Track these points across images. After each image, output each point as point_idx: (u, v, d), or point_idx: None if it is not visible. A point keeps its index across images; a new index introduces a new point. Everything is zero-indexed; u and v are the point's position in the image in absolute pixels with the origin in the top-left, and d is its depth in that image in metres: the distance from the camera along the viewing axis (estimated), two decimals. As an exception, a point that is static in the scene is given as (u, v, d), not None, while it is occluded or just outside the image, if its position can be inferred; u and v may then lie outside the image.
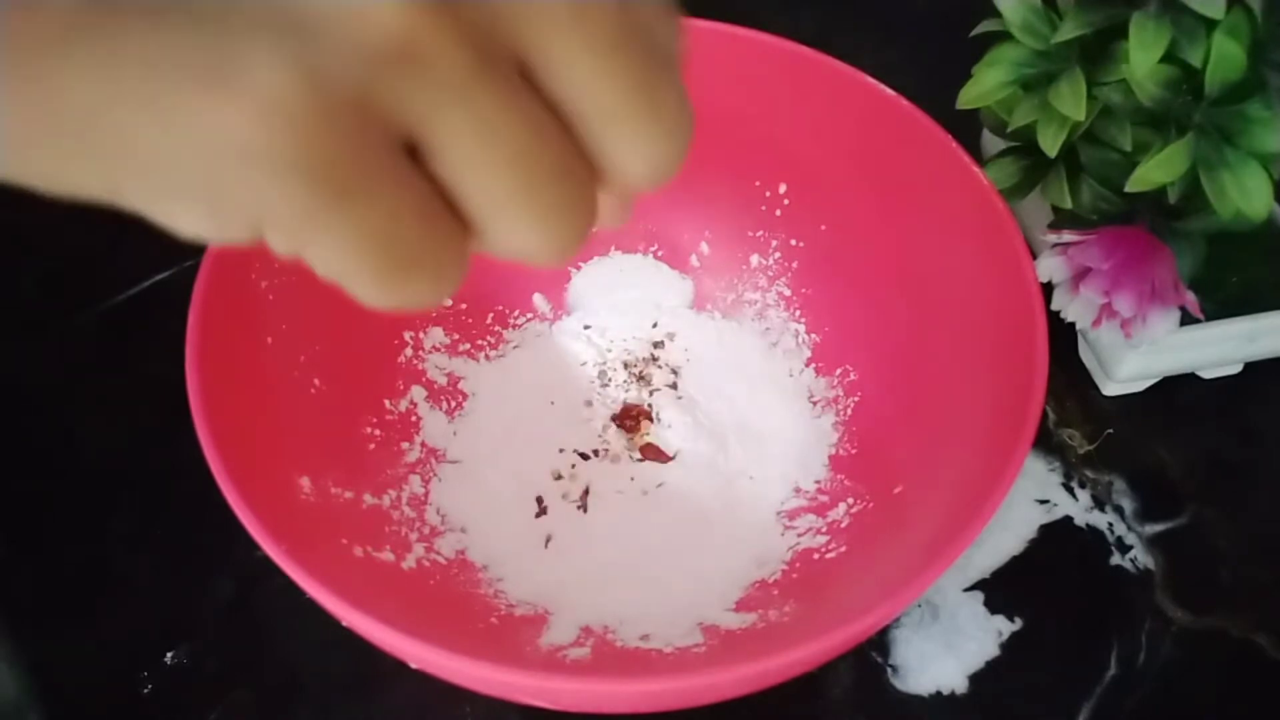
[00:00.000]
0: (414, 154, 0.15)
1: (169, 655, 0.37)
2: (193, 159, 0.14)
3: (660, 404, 0.42)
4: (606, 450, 0.41)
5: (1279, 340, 0.43)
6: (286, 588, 0.29)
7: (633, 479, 0.40)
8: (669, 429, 0.41)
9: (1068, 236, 0.38)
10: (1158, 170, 0.35)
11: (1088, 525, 0.41)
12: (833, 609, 0.33)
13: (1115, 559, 0.40)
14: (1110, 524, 0.41)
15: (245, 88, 0.14)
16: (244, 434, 0.32)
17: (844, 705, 0.37)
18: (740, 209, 0.45)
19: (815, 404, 0.42)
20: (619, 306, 0.45)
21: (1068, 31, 0.36)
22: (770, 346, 0.44)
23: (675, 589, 0.37)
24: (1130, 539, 0.40)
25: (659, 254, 0.46)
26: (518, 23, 0.15)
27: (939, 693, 0.37)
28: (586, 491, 0.40)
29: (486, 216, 0.16)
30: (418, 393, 0.41)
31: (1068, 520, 0.41)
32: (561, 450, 0.41)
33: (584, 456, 0.41)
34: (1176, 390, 0.44)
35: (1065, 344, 0.45)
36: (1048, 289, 0.38)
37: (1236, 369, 0.44)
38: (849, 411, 0.41)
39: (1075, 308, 0.38)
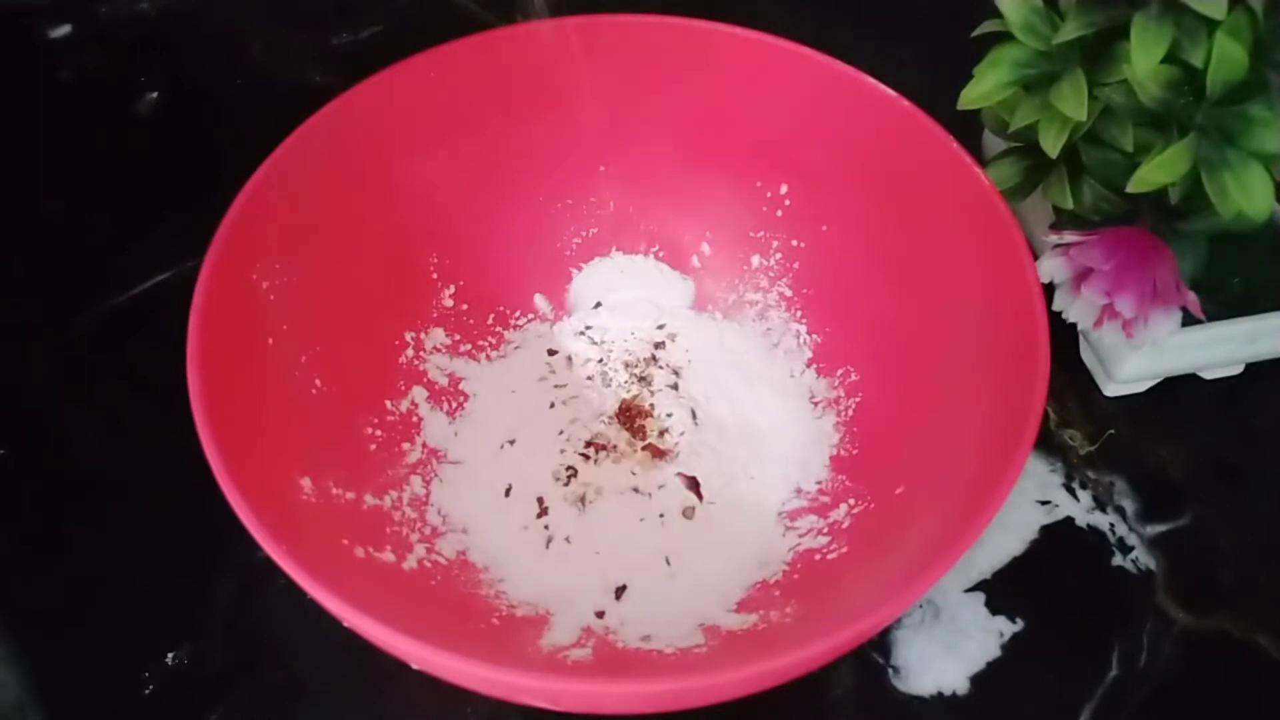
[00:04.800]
0: None
1: (170, 655, 0.37)
2: None
3: (661, 404, 0.42)
4: (608, 451, 0.41)
5: (1280, 341, 0.43)
6: (287, 588, 0.29)
7: (633, 479, 0.40)
8: (670, 430, 0.41)
9: (1069, 237, 0.38)
10: (1159, 171, 0.35)
11: (1089, 526, 0.41)
12: (834, 610, 0.33)
13: (1117, 560, 0.40)
14: (1112, 525, 0.41)
15: None
16: (245, 434, 0.32)
17: (845, 706, 0.36)
18: (741, 209, 0.45)
19: (816, 404, 0.42)
20: (620, 307, 0.45)
21: (1069, 32, 0.36)
22: (771, 347, 0.44)
23: (676, 590, 0.37)
24: (1132, 540, 0.40)
25: (660, 255, 0.46)
26: None
27: (940, 693, 0.37)
28: (587, 492, 0.40)
29: None
30: (419, 393, 0.42)
31: (1069, 521, 0.41)
32: (562, 451, 0.41)
33: (585, 457, 0.41)
34: (1178, 391, 0.44)
35: (1066, 345, 0.45)
36: (1049, 289, 0.38)
37: (1238, 370, 0.44)
38: (850, 412, 0.41)
39: (1077, 308, 0.38)
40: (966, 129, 0.39)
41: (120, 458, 0.42)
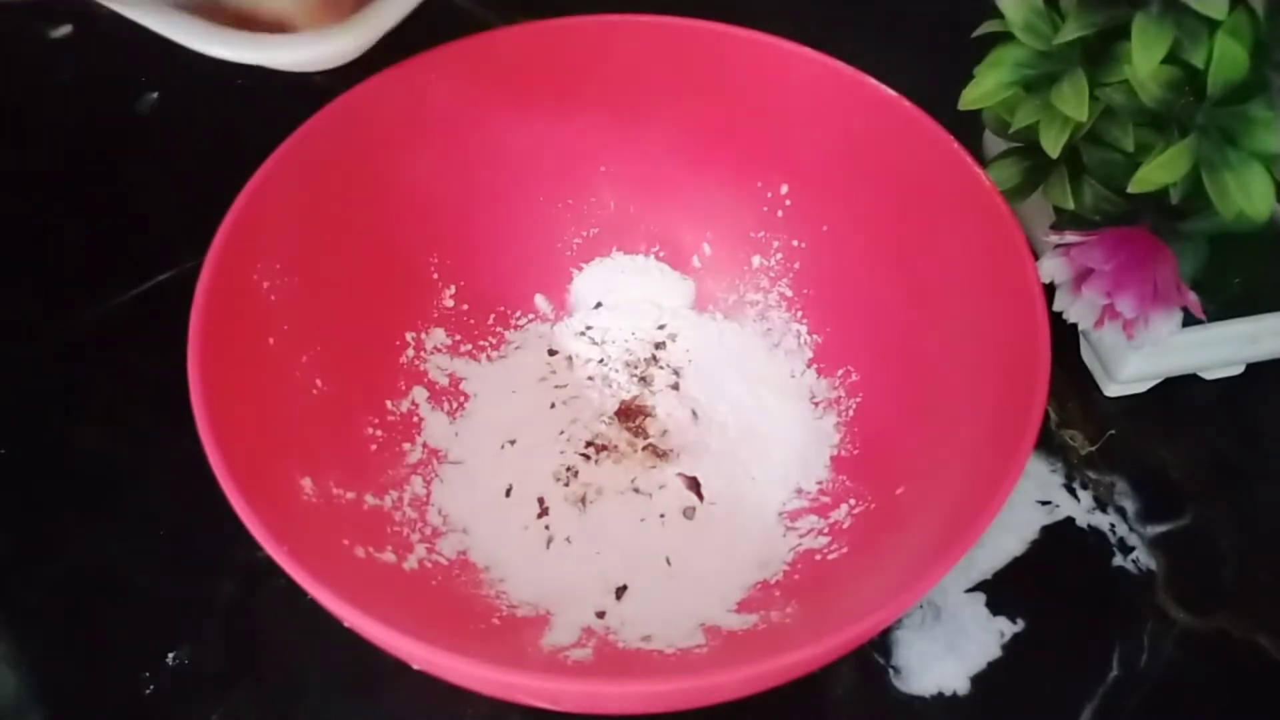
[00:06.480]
0: None
1: (170, 655, 0.37)
2: None
3: (661, 405, 0.42)
4: (608, 451, 0.41)
5: (1281, 341, 0.43)
6: (288, 588, 0.29)
7: (634, 480, 0.40)
8: (670, 430, 0.41)
9: (1070, 237, 0.38)
10: (1160, 171, 0.35)
11: (1090, 526, 0.41)
12: (835, 610, 0.33)
13: (1117, 560, 0.40)
14: (1112, 525, 0.41)
15: None
16: (245, 435, 0.32)
17: (845, 706, 0.36)
18: (742, 210, 0.45)
19: (817, 405, 0.42)
20: (621, 307, 0.45)
21: (1070, 32, 0.36)
22: (772, 347, 0.44)
23: (677, 590, 0.37)
24: (1132, 540, 0.40)
25: (661, 255, 0.46)
26: None
27: (941, 694, 0.37)
28: (588, 493, 0.40)
29: None
30: (419, 393, 0.41)
31: (1070, 521, 0.41)
32: (563, 451, 0.41)
33: (585, 457, 0.41)
34: (1178, 391, 0.44)
35: (1067, 345, 0.45)
36: (1050, 290, 0.37)
37: (1239, 370, 0.44)
38: (851, 412, 0.41)
39: (1077, 309, 0.38)
40: (967, 129, 0.39)
41: (120, 458, 0.42)
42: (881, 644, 0.38)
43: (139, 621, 0.38)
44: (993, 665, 0.37)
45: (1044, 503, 0.41)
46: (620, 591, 0.37)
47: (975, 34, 0.39)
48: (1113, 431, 0.43)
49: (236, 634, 0.37)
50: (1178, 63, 0.34)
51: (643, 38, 0.42)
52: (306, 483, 0.34)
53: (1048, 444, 0.43)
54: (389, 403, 0.41)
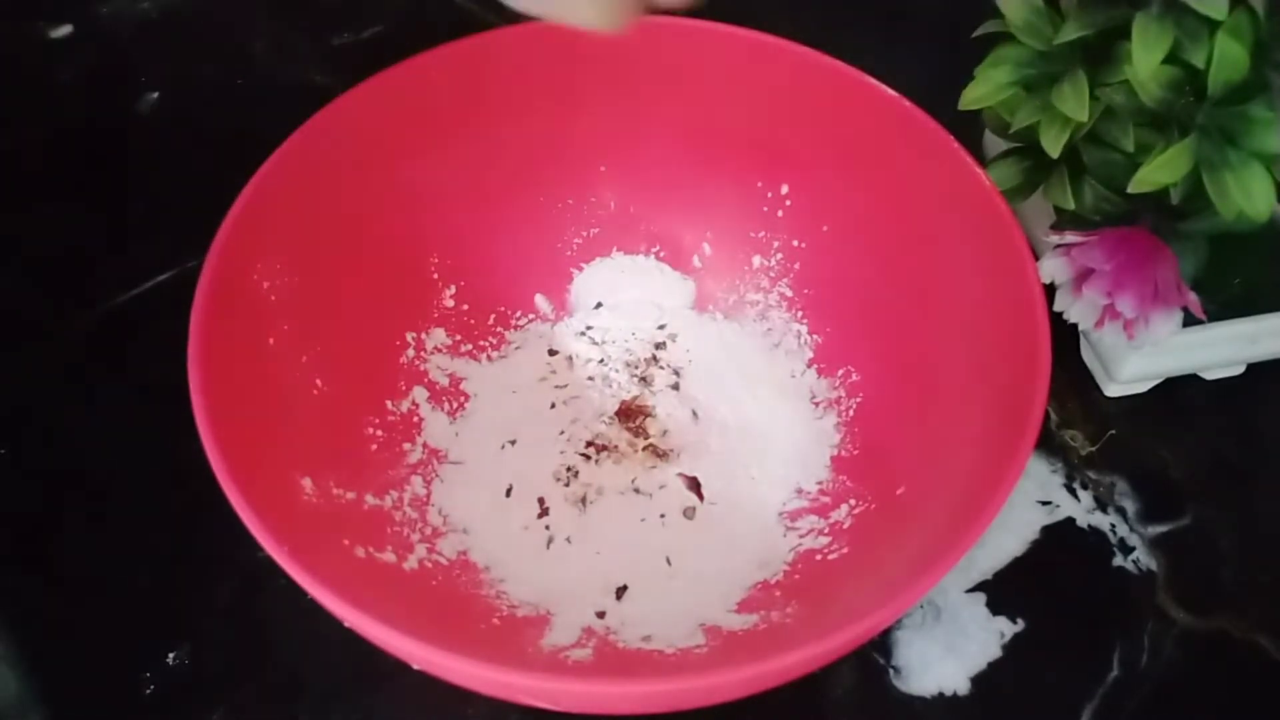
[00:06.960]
0: None
1: (171, 655, 0.37)
2: None
3: (662, 405, 0.42)
4: (608, 451, 0.41)
5: (1281, 341, 0.43)
6: (288, 588, 0.29)
7: (634, 480, 0.40)
8: (670, 430, 0.41)
9: (1070, 237, 0.38)
10: (1160, 171, 0.35)
11: (1090, 526, 0.41)
12: (835, 610, 0.33)
13: (1117, 560, 0.40)
14: (1112, 525, 0.41)
15: None
16: (246, 435, 0.32)
17: (846, 706, 0.36)
18: (742, 210, 0.45)
19: (817, 405, 0.42)
20: (621, 307, 0.45)
21: (1070, 32, 0.36)
22: (772, 347, 0.44)
23: (677, 590, 0.37)
24: (1132, 540, 0.40)
25: (661, 255, 0.46)
26: None
27: (941, 694, 0.37)
28: (588, 493, 0.40)
29: None
30: (419, 393, 0.41)
31: (1070, 521, 0.41)
32: (563, 451, 0.41)
33: (586, 457, 0.41)
34: (1179, 391, 0.44)
35: (1067, 345, 0.45)
36: (1050, 290, 0.37)
37: (1239, 370, 0.44)
38: (851, 412, 0.41)
39: (1078, 309, 0.38)
40: (967, 129, 0.39)
41: (120, 458, 0.42)
42: (881, 644, 0.38)
43: (139, 621, 0.38)
44: (993, 665, 0.37)
45: (1044, 503, 0.41)
46: (620, 591, 0.37)
47: (975, 34, 0.39)
48: (1113, 431, 0.43)
49: (237, 634, 0.37)
50: (1178, 63, 0.34)
51: (643, 38, 0.42)
52: (306, 483, 0.34)
53: (1048, 444, 0.43)
54: (389, 403, 0.41)
